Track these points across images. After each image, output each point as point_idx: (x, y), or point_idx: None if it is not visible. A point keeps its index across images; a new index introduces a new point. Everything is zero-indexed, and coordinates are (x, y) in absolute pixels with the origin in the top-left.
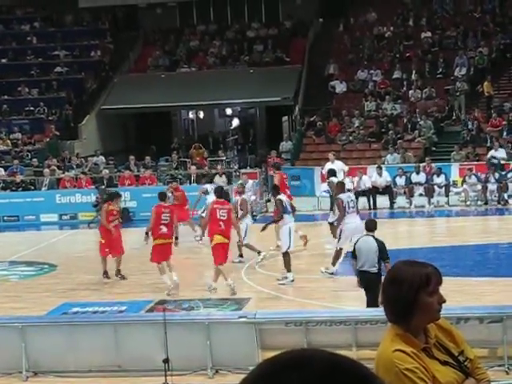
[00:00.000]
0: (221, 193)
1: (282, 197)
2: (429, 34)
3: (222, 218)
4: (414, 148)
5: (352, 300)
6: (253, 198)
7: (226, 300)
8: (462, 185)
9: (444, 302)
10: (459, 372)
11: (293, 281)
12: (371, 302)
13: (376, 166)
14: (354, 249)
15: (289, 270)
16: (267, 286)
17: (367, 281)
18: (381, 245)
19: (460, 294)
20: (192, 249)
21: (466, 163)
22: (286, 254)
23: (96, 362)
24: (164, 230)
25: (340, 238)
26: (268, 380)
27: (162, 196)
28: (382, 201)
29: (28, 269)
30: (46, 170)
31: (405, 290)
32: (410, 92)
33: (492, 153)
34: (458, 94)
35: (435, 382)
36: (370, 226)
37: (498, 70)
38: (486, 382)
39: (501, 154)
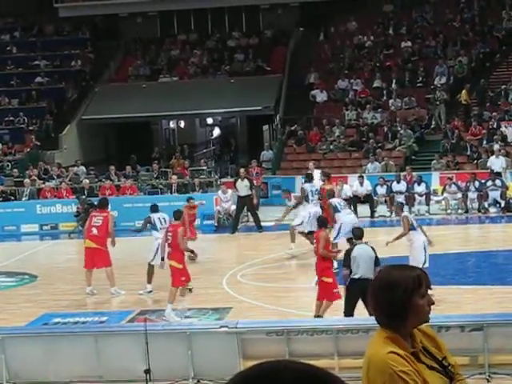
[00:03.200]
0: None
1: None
2: (409, 43)
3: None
4: (395, 157)
5: (333, 309)
6: (233, 207)
7: (208, 310)
8: (443, 193)
9: (433, 303)
10: (444, 377)
11: None
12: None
13: (358, 175)
14: (348, 258)
15: None
16: (249, 296)
17: (366, 288)
18: (375, 251)
19: (441, 303)
20: None
21: (446, 172)
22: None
23: (77, 372)
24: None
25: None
26: None
27: (178, 215)
28: (363, 210)
29: (8, 279)
30: (27, 180)
31: (399, 294)
32: (391, 101)
33: (492, 160)
34: (437, 103)
35: None
36: (360, 234)
37: (478, 79)
38: None
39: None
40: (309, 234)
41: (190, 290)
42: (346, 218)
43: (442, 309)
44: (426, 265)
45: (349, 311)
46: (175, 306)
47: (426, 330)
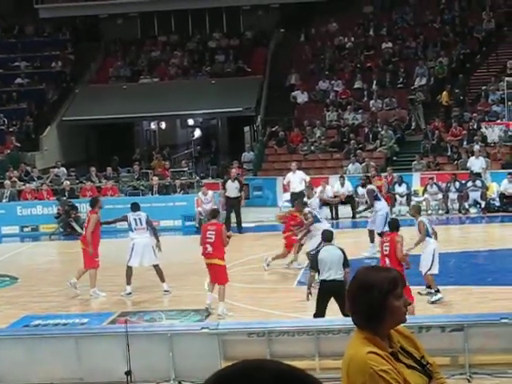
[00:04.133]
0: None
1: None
2: (389, 44)
3: None
4: (376, 158)
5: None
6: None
7: (189, 311)
8: (424, 194)
9: (409, 304)
10: (423, 376)
11: None
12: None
13: (339, 175)
14: (315, 260)
15: None
16: (230, 297)
17: (336, 288)
18: (343, 252)
19: (422, 303)
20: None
21: (427, 172)
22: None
23: (58, 374)
24: (209, 249)
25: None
26: None
27: (214, 213)
28: (345, 210)
29: None
30: (7, 182)
31: (375, 295)
32: (371, 102)
33: (472, 161)
34: (417, 103)
35: None
36: (330, 237)
37: (458, 80)
38: None
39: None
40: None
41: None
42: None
43: (423, 309)
44: (434, 271)
45: (320, 313)
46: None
47: (402, 331)
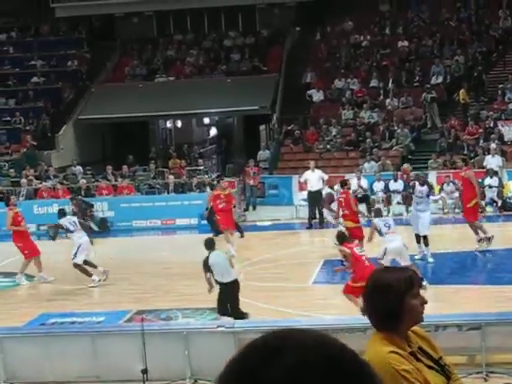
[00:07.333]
0: None
1: None
2: (405, 42)
3: None
4: (392, 156)
5: (332, 308)
6: None
7: (205, 309)
8: (440, 192)
9: (426, 302)
10: (442, 376)
11: None
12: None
13: (354, 174)
14: (207, 265)
15: None
16: (246, 295)
17: (233, 290)
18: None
19: (438, 302)
20: (168, 258)
21: (443, 171)
22: None
23: (74, 372)
24: None
25: None
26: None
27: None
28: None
29: (6, 280)
30: (24, 181)
31: (392, 296)
32: (387, 100)
33: (488, 159)
34: (429, 101)
35: None
36: (212, 244)
37: (474, 78)
38: None
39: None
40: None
41: None
42: None
43: (439, 308)
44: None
45: (223, 310)
46: None
47: (419, 332)
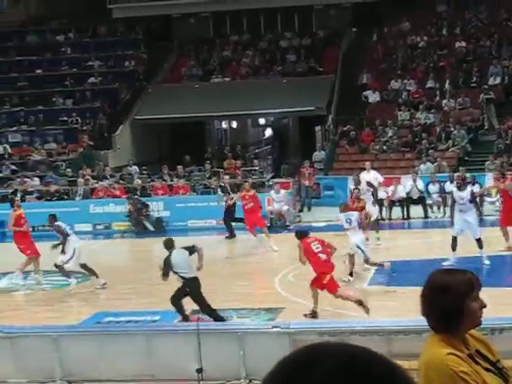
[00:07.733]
0: None
1: None
2: (463, 43)
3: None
4: (448, 158)
5: (386, 310)
6: (285, 208)
7: (260, 310)
8: (497, 194)
9: (485, 306)
10: (500, 379)
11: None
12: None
13: (410, 175)
14: (168, 263)
15: None
16: (301, 296)
17: (198, 285)
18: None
19: (493, 305)
20: (227, 258)
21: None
22: None
23: (129, 371)
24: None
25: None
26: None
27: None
28: (417, 211)
29: (62, 278)
30: (80, 180)
31: (452, 298)
32: (444, 101)
33: None
34: (485, 102)
35: None
36: (171, 244)
37: None
38: None
39: None
40: None
41: None
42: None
43: (495, 311)
44: None
45: (206, 307)
46: None
47: (476, 335)
